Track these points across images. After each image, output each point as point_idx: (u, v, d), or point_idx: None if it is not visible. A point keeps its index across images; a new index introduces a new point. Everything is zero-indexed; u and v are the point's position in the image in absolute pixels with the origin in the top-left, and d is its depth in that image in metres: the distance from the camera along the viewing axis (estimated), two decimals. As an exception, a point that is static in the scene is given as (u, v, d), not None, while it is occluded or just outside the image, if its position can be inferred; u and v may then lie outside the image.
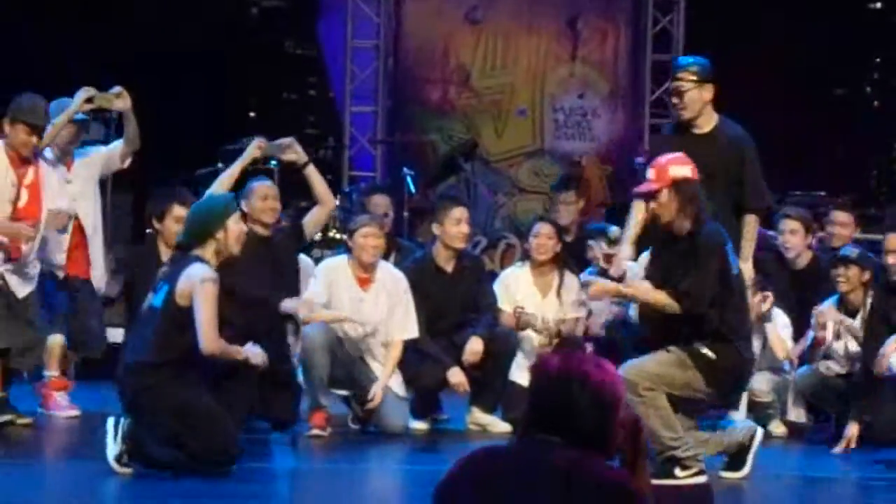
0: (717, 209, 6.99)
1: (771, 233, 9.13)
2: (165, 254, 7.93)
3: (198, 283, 6.39)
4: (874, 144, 17.44)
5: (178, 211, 8.19)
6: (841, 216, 9.55)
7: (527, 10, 14.41)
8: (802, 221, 9.06)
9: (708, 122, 7.49)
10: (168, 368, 6.47)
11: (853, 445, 7.75)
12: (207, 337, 6.40)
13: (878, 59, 17.89)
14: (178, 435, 6.42)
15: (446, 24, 14.39)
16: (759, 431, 6.98)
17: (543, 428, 3.17)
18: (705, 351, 6.54)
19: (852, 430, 7.74)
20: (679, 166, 6.61)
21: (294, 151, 7.84)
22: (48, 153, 8.35)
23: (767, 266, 9.09)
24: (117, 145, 8.74)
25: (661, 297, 6.55)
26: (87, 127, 8.81)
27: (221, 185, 8.11)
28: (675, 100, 7.50)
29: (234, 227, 6.63)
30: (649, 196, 6.65)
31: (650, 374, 6.52)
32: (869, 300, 8.35)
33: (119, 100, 8.52)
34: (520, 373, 8.47)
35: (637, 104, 14.58)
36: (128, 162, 8.74)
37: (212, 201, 6.95)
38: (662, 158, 6.73)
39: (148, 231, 8.92)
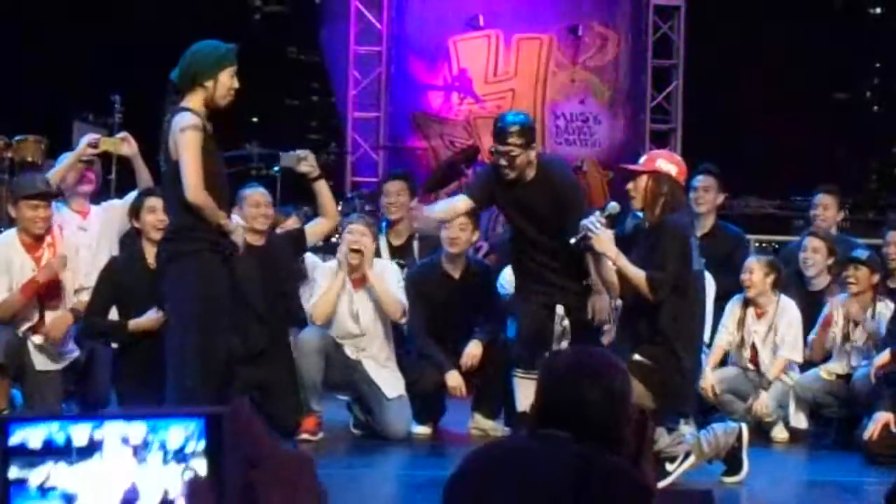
0: (554, 250, 7.31)
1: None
2: (151, 255, 7.83)
3: (178, 133, 6.22)
4: (874, 149, 17.49)
5: (151, 202, 7.86)
6: (824, 199, 9.64)
7: (528, 16, 14.44)
8: (826, 242, 9.09)
9: (530, 172, 7.57)
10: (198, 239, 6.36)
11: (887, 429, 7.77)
12: (190, 185, 6.19)
13: (878, 65, 17.95)
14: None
15: (448, 31, 14.41)
16: (745, 428, 7.03)
17: (554, 423, 3.20)
18: (640, 359, 6.63)
19: (886, 417, 7.77)
20: (667, 162, 6.86)
21: (309, 164, 7.82)
22: (62, 208, 8.30)
23: (785, 281, 9.13)
24: (133, 197, 8.51)
25: (636, 276, 6.69)
26: (96, 169, 8.77)
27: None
28: (502, 161, 7.51)
29: (227, 81, 6.40)
30: (631, 176, 6.84)
31: None
32: (879, 304, 8.46)
33: (124, 144, 8.45)
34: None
35: (638, 110, 14.60)
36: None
37: (211, 46, 6.51)
38: (657, 150, 7.00)
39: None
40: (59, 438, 1.04)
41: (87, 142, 8.42)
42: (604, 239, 6.83)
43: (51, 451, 1.05)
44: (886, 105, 17.70)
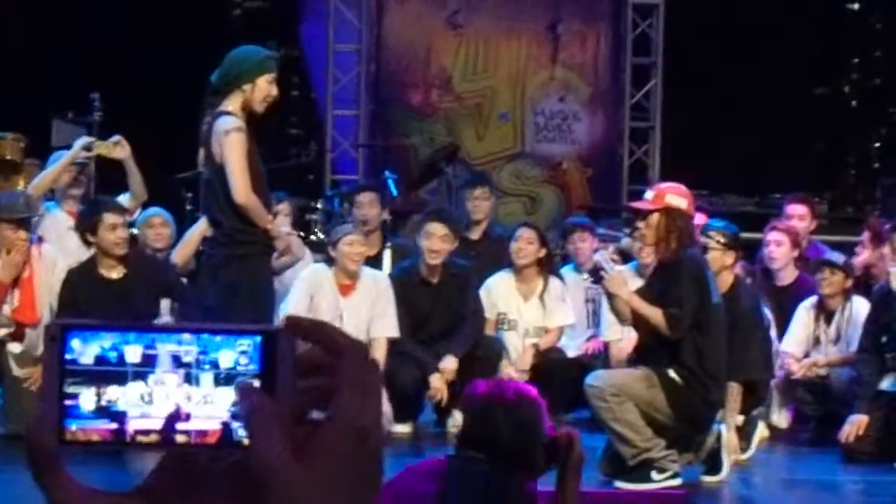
0: None
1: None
2: (106, 267, 7.86)
3: (222, 136, 6.29)
4: (852, 144, 17.53)
5: (111, 219, 7.83)
6: (798, 209, 9.63)
7: (507, 14, 14.43)
8: (789, 234, 9.10)
9: None
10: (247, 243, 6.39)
11: (860, 432, 7.79)
12: (237, 187, 6.26)
13: (856, 60, 17.96)
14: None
15: (427, 29, 14.40)
16: (723, 429, 7.06)
17: (472, 446, 3.59)
18: (673, 375, 6.66)
19: (861, 419, 7.79)
20: (677, 196, 6.81)
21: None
22: (53, 209, 8.29)
23: (755, 279, 9.16)
24: (124, 200, 8.49)
25: (652, 315, 6.68)
26: (87, 172, 8.77)
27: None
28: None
29: (265, 86, 6.44)
30: (641, 215, 6.82)
31: (616, 382, 6.68)
32: (849, 304, 8.50)
33: (118, 148, 8.42)
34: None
35: (617, 107, 14.61)
36: (137, 213, 8.58)
37: (251, 51, 6.63)
38: (664, 184, 6.95)
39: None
40: (112, 356, 1.07)
41: (82, 145, 8.40)
42: (616, 280, 6.84)
43: (102, 369, 1.07)
44: (865, 101, 17.72)
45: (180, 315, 7.97)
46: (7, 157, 9.81)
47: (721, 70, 14.33)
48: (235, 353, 1.06)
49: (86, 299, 7.73)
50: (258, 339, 1.06)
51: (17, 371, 7.76)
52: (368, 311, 8.26)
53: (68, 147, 8.70)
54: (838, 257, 8.68)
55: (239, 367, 1.06)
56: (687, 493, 6.55)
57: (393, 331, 8.29)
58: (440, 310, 8.52)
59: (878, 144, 17.87)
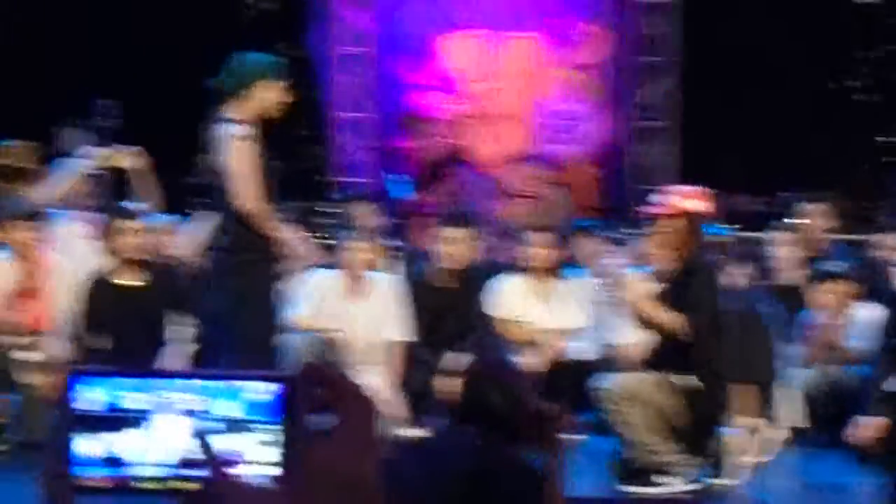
0: None
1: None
2: (125, 274, 7.86)
3: (228, 143, 6.29)
4: (862, 140, 17.51)
5: (129, 225, 7.90)
6: (815, 208, 9.57)
7: (515, 14, 14.44)
8: (793, 234, 9.07)
9: None
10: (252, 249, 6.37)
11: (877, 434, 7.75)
12: (244, 194, 6.25)
13: (867, 55, 17.96)
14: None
15: (434, 31, 14.41)
16: (734, 432, 7.05)
17: (465, 420, 3.77)
18: (685, 380, 6.65)
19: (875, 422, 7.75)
20: (693, 200, 6.79)
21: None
22: (64, 217, 8.30)
23: (761, 280, 9.13)
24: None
25: (666, 321, 6.69)
26: (103, 182, 8.79)
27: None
28: None
29: (270, 92, 6.43)
30: (657, 220, 6.80)
31: (627, 386, 6.67)
32: (854, 309, 8.47)
33: (133, 158, 8.43)
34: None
35: (625, 107, 14.61)
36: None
37: (256, 57, 6.60)
38: (680, 188, 6.94)
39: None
40: (114, 403, 1.08)
41: (99, 155, 8.42)
42: (633, 288, 6.82)
43: (104, 417, 1.09)
44: (873, 95, 17.71)
45: (199, 331, 7.94)
46: (21, 165, 9.82)
47: (730, 70, 14.32)
48: (235, 402, 1.06)
49: (104, 309, 7.76)
50: (277, 387, 1.06)
51: (30, 379, 7.79)
52: (379, 316, 8.26)
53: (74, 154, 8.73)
54: (839, 265, 8.62)
55: (238, 415, 1.06)
56: (698, 501, 6.53)
57: (406, 334, 8.29)
58: (455, 313, 8.52)
59: (889, 139, 17.85)
